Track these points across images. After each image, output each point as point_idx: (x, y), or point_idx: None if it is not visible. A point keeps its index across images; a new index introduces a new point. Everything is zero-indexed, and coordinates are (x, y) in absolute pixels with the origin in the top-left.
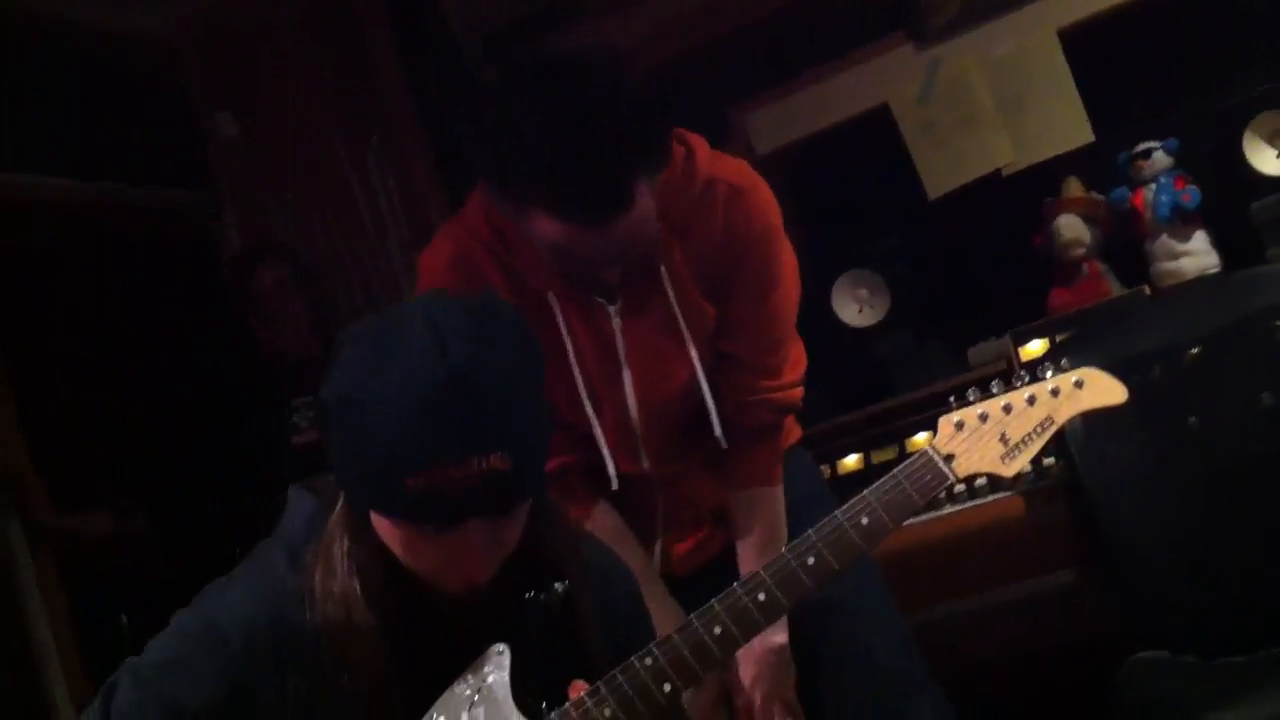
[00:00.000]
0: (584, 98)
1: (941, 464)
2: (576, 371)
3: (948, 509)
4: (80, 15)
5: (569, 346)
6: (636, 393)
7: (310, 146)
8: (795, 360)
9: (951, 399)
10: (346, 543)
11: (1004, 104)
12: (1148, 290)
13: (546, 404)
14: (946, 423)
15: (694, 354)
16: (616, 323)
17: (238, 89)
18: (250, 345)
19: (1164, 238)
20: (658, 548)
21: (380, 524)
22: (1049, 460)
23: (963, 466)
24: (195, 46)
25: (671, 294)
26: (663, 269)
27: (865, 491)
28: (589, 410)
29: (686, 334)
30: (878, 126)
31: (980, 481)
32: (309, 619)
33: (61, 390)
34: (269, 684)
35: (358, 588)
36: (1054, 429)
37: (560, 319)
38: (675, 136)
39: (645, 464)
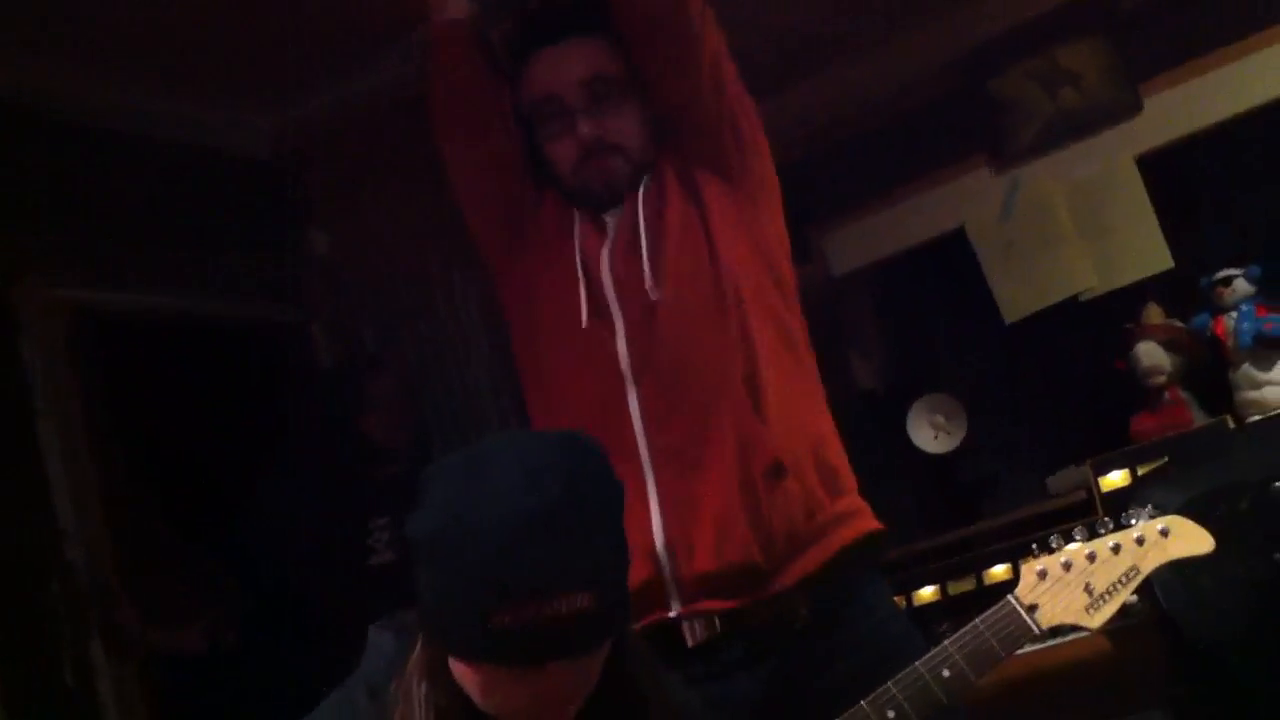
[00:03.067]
0: None
1: (1025, 615)
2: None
3: (1030, 647)
4: (176, 133)
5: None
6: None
7: (399, 262)
8: None
9: (1034, 546)
10: (425, 686)
11: (1082, 228)
12: (1230, 421)
13: (625, 540)
14: (1029, 570)
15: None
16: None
17: (330, 207)
18: (336, 460)
19: (1247, 366)
20: (664, 561)
21: (458, 667)
22: (1133, 598)
23: (1046, 617)
24: (289, 165)
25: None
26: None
27: (946, 642)
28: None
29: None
30: (956, 248)
31: None
32: None
33: (150, 505)
34: None
35: None
36: (1139, 579)
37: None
38: None
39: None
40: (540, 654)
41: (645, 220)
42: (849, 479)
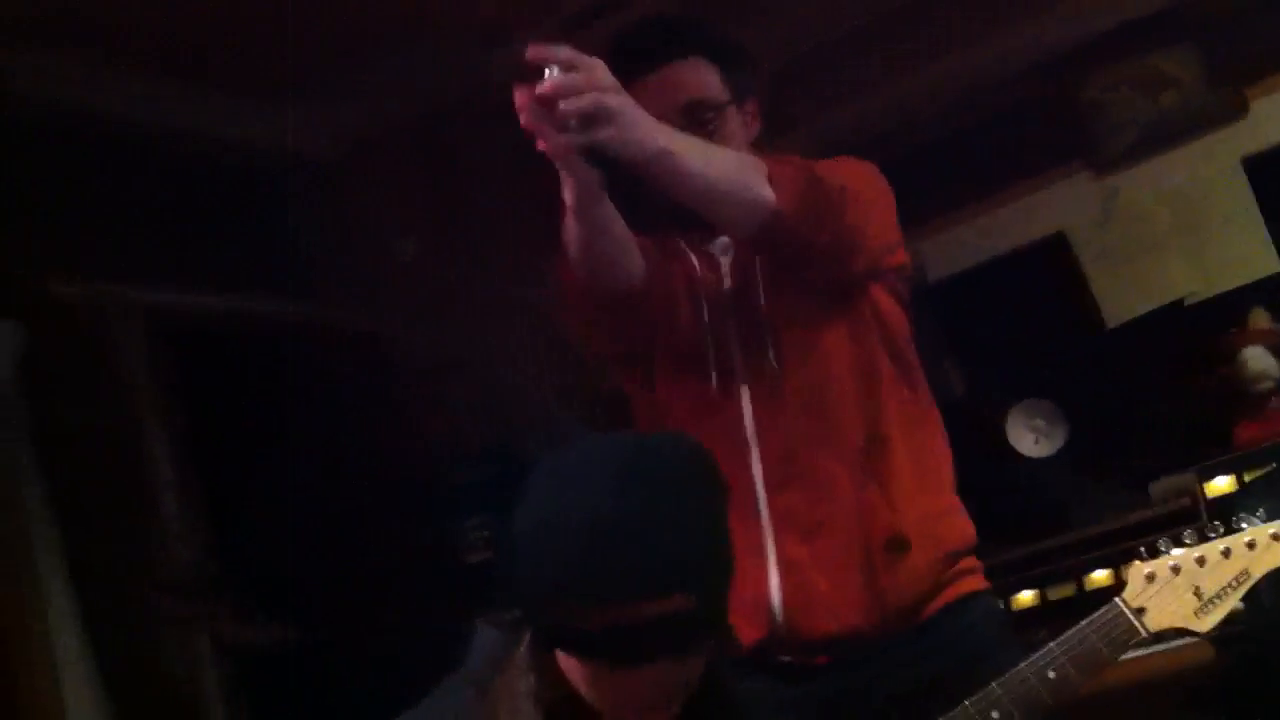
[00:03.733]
0: None
1: (1133, 618)
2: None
3: (1131, 653)
4: (258, 138)
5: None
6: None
7: (484, 267)
8: None
9: (1142, 549)
10: (531, 680)
11: (1184, 232)
12: None
13: (729, 539)
14: (1137, 574)
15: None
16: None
17: (414, 213)
18: (427, 464)
19: None
20: (779, 621)
21: (565, 661)
22: (1240, 604)
23: (1155, 621)
24: (372, 172)
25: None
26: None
27: (1052, 644)
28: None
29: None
30: (1053, 253)
31: None
32: None
33: (248, 504)
34: None
35: None
36: (1250, 583)
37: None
38: None
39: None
40: (639, 654)
41: (764, 288)
42: (969, 550)
